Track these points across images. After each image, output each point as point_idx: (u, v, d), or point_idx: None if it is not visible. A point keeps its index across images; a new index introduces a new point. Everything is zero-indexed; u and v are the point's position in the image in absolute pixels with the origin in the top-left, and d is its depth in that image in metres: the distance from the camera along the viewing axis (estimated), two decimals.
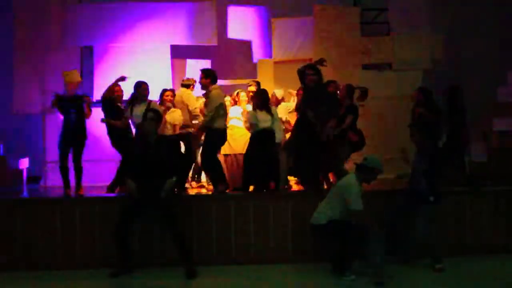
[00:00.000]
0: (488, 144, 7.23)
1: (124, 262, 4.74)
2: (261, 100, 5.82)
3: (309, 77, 5.61)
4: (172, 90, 6.45)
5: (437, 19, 8.45)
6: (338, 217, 4.55)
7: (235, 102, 6.69)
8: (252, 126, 5.77)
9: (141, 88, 5.79)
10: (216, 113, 5.53)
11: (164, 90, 6.35)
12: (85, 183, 5.82)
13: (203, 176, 6.71)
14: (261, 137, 5.68)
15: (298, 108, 6.09)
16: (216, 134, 5.62)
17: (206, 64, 8.10)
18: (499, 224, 5.49)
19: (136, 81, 5.86)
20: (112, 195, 5.66)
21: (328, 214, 4.58)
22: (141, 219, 4.88)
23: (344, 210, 4.53)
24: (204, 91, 5.76)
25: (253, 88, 6.55)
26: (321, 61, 5.78)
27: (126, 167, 4.93)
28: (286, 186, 6.03)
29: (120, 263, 4.73)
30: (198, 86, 6.16)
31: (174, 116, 6.09)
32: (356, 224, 4.51)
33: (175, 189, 5.31)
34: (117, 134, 5.86)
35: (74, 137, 5.70)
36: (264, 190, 5.64)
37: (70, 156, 5.72)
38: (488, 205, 5.53)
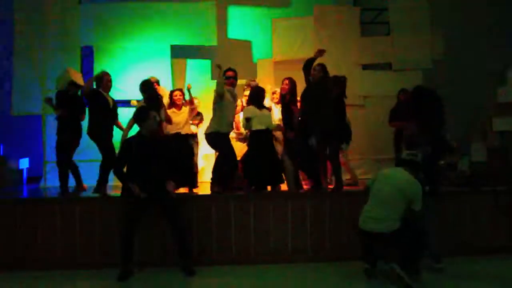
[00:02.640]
0: (488, 144, 7.22)
1: (127, 262, 4.72)
2: (261, 99, 5.82)
3: (315, 72, 5.65)
4: (180, 90, 6.38)
5: (437, 19, 8.45)
6: (401, 220, 4.29)
7: None
8: (248, 121, 5.67)
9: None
10: None
11: (173, 91, 6.32)
12: (85, 183, 5.82)
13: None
14: (260, 139, 5.67)
15: (284, 99, 6.07)
16: None
17: (206, 64, 8.11)
18: (499, 224, 5.49)
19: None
20: (112, 195, 5.65)
21: (395, 218, 4.27)
22: (145, 217, 4.87)
23: (404, 211, 4.31)
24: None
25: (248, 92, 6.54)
26: (320, 52, 5.76)
27: (128, 169, 4.90)
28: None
29: (124, 264, 4.71)
30: None
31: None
32: (415, 227, 4.32)
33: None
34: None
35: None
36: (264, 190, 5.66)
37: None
38: (488, 205, 5.53)
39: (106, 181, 5.67)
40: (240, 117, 6.21)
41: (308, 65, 5.71)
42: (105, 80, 5.82)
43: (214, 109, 5.65)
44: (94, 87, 5.80)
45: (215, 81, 5.77)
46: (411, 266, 4.30)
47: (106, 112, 5.74)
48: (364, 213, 4.45)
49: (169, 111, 6.13)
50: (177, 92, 6.25)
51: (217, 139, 5.60)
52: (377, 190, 4.44)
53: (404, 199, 4.29)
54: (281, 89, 6.11)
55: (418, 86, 5.66)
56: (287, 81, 6.02)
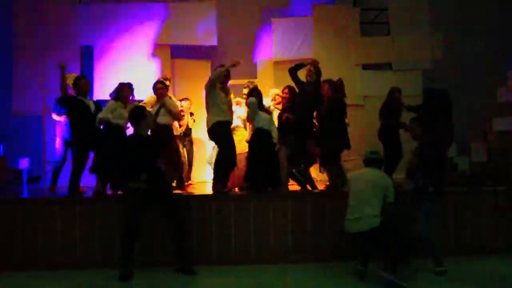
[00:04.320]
0: (488, 144, 7.22)
1: (128, 262, 4.70)
2: (259, 101, 5.83)
3: (310, 73, 5.71)
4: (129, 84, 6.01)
5: (437, 19, 8.46)
6: (380, 217, 4.46)
7: None
8: (253, 118, 5.72)
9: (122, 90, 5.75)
10: None
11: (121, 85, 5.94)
12: (83, 183, 5.79)
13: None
14: (260, 138, 5.67)
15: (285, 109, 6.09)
16: None
17: (206, 64, 8.10)
18: (499, 224, 5.49)
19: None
20: (112, 194, 5.64)
21: (375, 215, 4.43)
22: (145, 217, 4.86)
23: (381, 207, 4.50)
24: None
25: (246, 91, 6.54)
26: (312, 63, 5.84)
27: (126, 169, 4.89)
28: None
29: (124, 264, 4.69)
30: None
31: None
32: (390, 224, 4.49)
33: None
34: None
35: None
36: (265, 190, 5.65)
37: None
38: (488, 205, 5.52)
39: (78, 185, 5.56)
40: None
41: (296, 69, 5.78)
42: (80, 85, 5.60)
43: (209, 104, 5.57)
44: (71, 92, 5.64)
45: None
46: (392, 265, 4.37)
47: (86, 118, 5.50)
48: (347, 215, 4.60)
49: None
50: (126, 88, 5.83)
51: (218, 129, 5.50)
52: (354, 191, 4.62)
53: (380, 192, 4.49)
54: (281, 97, 6.17)
55: (429, 87, 5.78)
56: (287, 90, 6.06)
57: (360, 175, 4.73)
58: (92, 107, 5.61)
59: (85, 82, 5.70)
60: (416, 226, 4.72)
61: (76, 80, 5.65)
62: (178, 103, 6.83)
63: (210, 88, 5.52)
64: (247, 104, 5.83)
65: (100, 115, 5.44)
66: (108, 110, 5.51)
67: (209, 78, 5.58)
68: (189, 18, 7.92)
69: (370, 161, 4.70)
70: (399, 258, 4.43)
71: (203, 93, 5.73)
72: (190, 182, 6.80)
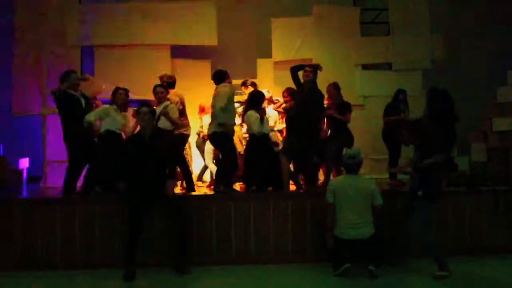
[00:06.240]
0: (488, 144, 7.22)
1: (131, 262, 4.70)
2: (260, 103, 5.83)
3: (306, 73, 5.74)
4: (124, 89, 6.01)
5: (437, 19, 8.47)
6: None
7: None
8: (252, 127, 5.68)
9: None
10: None
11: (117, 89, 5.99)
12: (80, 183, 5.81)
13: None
14: (258, 142, 5.65)
15: (287, 110, 6.17)
16: None
17: (206, 64, 8.10)
18: (499, 224, 5.49)
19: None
20: (112, 194, 5.63)
21: (371, 221, 4.59)
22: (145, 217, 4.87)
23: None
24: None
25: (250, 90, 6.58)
26: (316, 66, 5.89)
27: (122, 171, 4.89)
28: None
29: (127, 264, 4.69)
30: None
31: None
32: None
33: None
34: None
35: None
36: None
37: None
38: (488, 205, 5.52)
39: (74, 186, 5.54)
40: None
41: (297, 69, 5.82)
42: (71, 79, 5.51)
43: (222, 109, 5.50)
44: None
45: (214, 81, 5.79)
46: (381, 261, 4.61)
47: (75, 113, 5.44)
48: (341, 223, 4.62)
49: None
50: (121, 91, 5.86)
51: (221, 138, 5.54)
52: (344, 199, 4.64)
53: (370, 198, 4.63)
54: (284, 101, 6.22)
55: (433, 87, 5.84)
56: (286, 93, 6.15)
57: (345, 183, 4.74)
58: (83, 102, 5.58)
59: (75, 77, 5.61)
60: (408, 226, 4.72)
61: (67, 74, 5.58)
62: None
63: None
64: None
65: (86, 116, 5.45)
66: (95, 114, 5.55)
67: (225, 95, 5.50)
68: (189, 18, 7.92)
69: (350, 167, 4.76)
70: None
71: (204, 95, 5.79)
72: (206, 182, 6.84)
